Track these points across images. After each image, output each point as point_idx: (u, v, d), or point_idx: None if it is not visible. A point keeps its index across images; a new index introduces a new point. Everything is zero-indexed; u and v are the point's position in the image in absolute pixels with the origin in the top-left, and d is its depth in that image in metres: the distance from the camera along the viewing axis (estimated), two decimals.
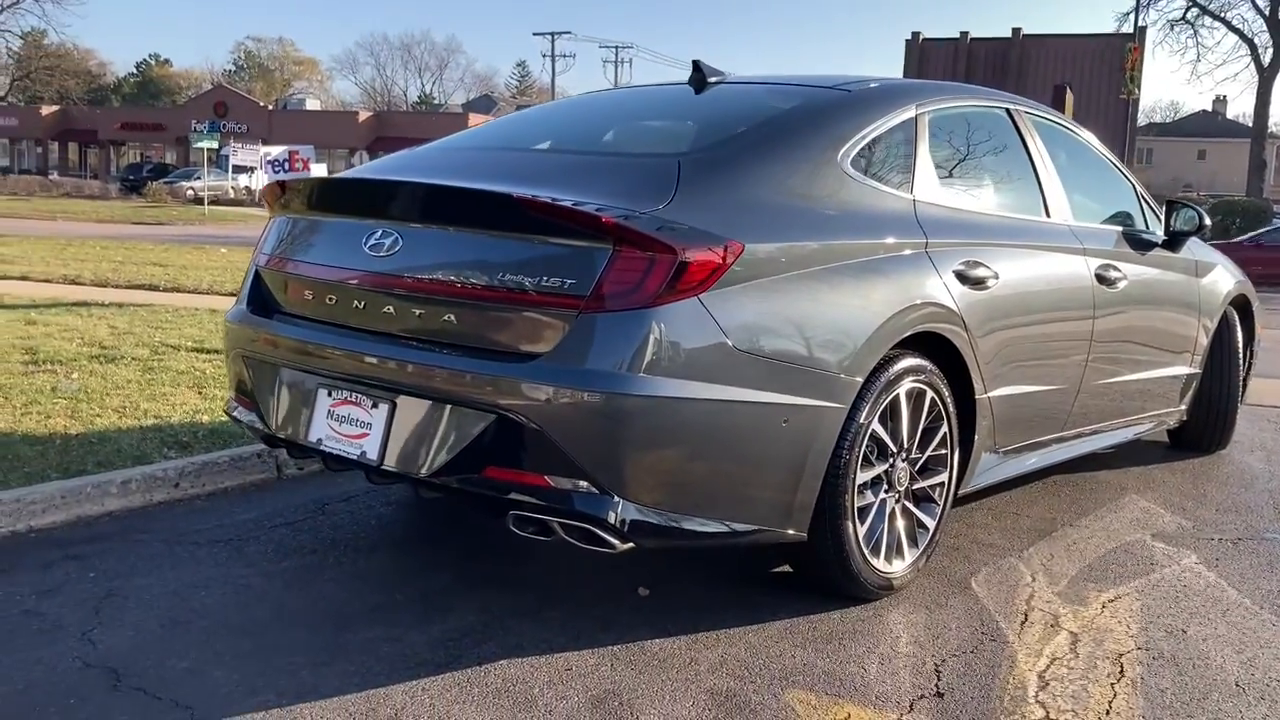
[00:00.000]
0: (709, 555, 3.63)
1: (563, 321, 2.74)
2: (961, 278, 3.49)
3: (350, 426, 3.07)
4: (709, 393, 2.77)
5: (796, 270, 2.98)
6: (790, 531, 3.06)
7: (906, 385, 3.30)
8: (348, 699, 2.61)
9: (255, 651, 2.85)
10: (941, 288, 3.39)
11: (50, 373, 6.17)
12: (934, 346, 3.44)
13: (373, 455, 3.01)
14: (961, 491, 3.74)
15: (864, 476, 3.22)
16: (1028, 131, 4.25)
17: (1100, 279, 4.26)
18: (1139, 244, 4.71)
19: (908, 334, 3.26)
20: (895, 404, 3.29)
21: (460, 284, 2.90)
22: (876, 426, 3.22)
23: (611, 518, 2.74)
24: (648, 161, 3.23)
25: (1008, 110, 4.24)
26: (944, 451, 3.53)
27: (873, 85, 3.72)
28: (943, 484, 3.54)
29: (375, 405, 3.02)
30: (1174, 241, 4.94)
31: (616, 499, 2.74)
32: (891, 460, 3.33)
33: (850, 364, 3.05)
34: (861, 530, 3.21)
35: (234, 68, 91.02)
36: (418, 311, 2.98)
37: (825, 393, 3.00)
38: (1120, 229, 4.67)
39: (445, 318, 2.93)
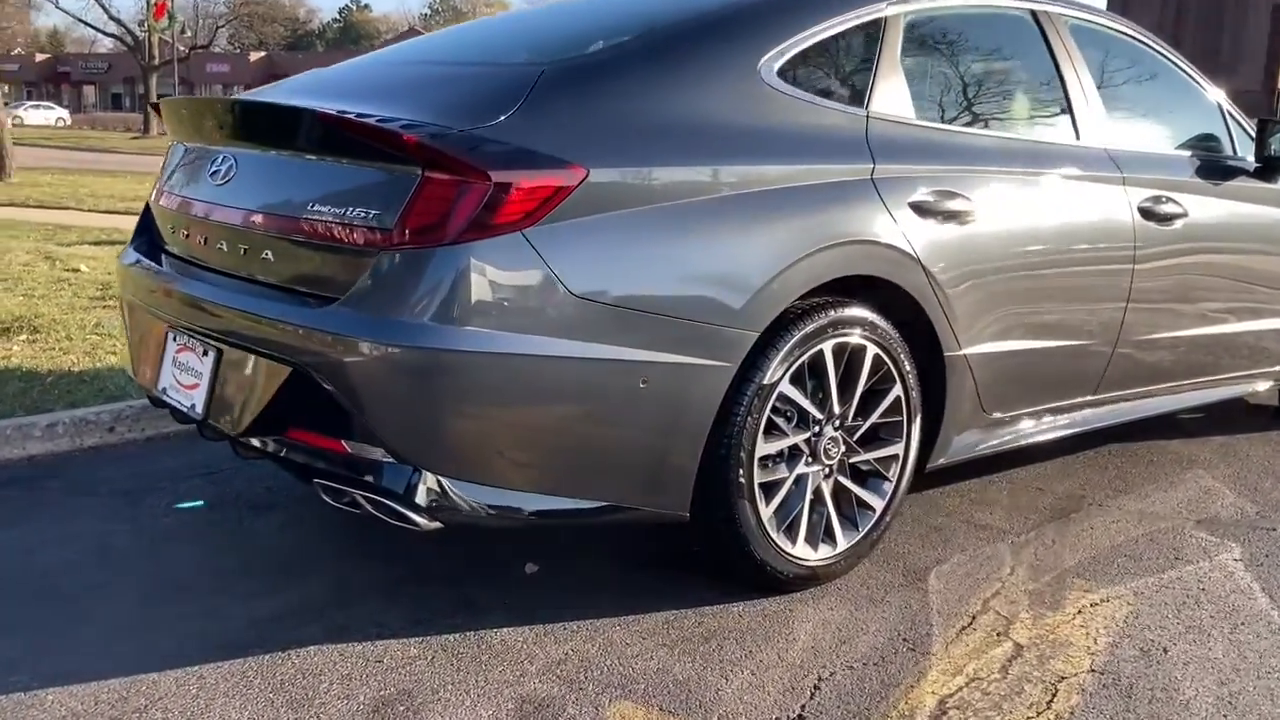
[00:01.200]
0: (623, 532, 3.18)
1: (365, 261, 2.34)
2: (922, 210, 2.89)
3: (187, 376, 2.77)
4: (533, 347, 2.32)
5: (669, 201, 2.48)
6: (663, 511, 2.60)
7: (836, 340, 2.76)
8: (108, 684, 2.32)
9: (57, 622, 2.60)
10: (888, 223, 2.81)
11: (109, 308, 6.17)
12: (890, 294, 2.88)
13: (200, 408, 2.70)
14: (936, 465, 3.17)
15: (770, 447, 2.71)
16: (1059, 38, 3.54)
17: (1146, 214, 3.54)
18: (1217, 172, 3.92)
19: (831, 279, 2.71)
20: (818, 362, 2.75)
21: (278, 216, 2.54)
22: (788, 389, 2.70)
23: (412, 492, 2.34)
24: (509, 72, 2.76)
25: (1033, 12, 3.54)
26: (898, 418, 2.96)
27: None
28: (896, 456, 2.98)
29: (205, 353, 2.70)
30: (1272, 168, 4.11)
31: (418, 470, 2.33)
32: (816, 428, 2.80)
33: (740, 314, 2.54)
34: (767, 510, 2.71)
35: (429, 12, 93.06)
36: (243, 247, 2.64)
37: (701, 348, 2.50)
38: (1190, 154, 3.89)
39: (264, 254, 2.57)
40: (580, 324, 2.36)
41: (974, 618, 2.74)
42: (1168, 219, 3.62)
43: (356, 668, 2.42)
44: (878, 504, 2.96)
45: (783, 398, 2.69)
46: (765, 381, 2.63)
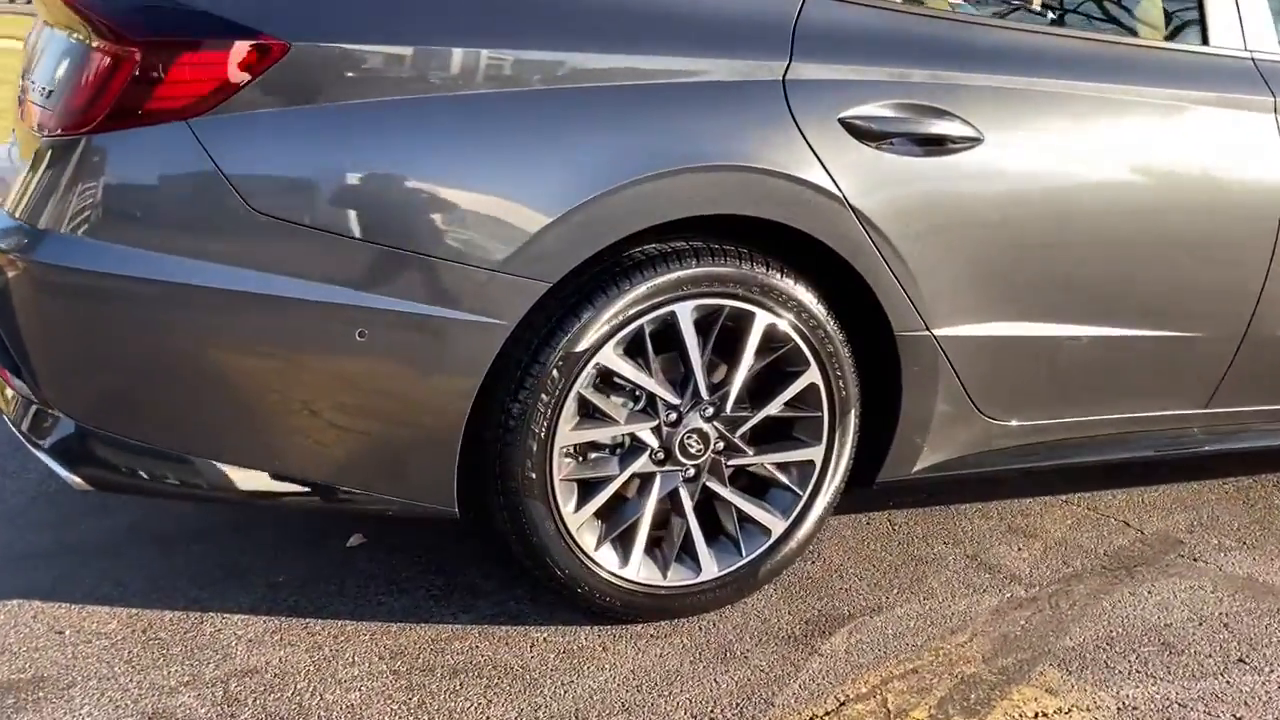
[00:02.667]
0: None
1: (32, 150, 1.90)
2: (866, 132, 2.04)
3: None
4: (191, 274, 1.77)
5: (426, 92, 1.82)
6: (417, 504, 2.00)
7: (700, 301, 2.02)
8: None
9: None
10: (796, 145, 2.00)
11: None
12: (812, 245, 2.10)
13: None
14: (892, 480, 2.34)
15: (586, 435, 2.03)
16: None
17: None
18: None
19: (686, 217, 1.96)
20: (671, 330, 2.03)
21: (22, 98, 2.16)
22: (616, 361, 2.00)
23: (58, 442, 1.89)
24: None
25: None
26: (816, 413, 2.18)
27: None
28: (810, 463, 2.20)
29: None
30: None
31: (56, 413, 1.88)
32: (671, 415, 2.08)
33: (518, 255, 1.86)
34: (576, 515, 2.05)
35: None
36: (19, 134, 2.27)
37: (449, 297, 1.85)
38: None
39: (14, 142, 2.19)
40: (264, 250, 1.79)
41: (842, 705, 1.96)
42: None
43: (30, 638, 2.03)
44: (776, 525, 2.20)
45: (607, 372, 2.01)
46: (576, 349, 1.95)
